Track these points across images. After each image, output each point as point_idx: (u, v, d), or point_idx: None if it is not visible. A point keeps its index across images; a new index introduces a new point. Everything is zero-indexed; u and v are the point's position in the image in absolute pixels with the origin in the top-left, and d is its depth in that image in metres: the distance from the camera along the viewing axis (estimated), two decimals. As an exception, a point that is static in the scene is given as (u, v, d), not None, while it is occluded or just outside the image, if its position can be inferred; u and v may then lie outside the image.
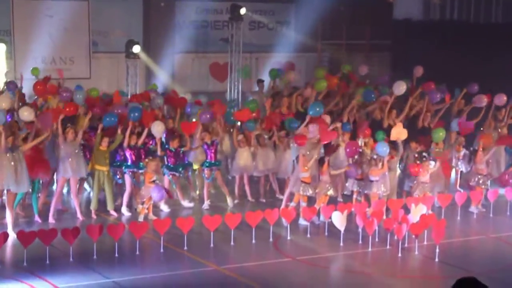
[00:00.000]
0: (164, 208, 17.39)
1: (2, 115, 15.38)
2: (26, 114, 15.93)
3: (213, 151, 17.77)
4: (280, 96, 21.18)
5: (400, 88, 19.52)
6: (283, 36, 28.46)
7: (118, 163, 17.14)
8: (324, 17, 27.92)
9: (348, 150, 17.00)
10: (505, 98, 20.09)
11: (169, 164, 17.50)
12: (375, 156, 16.66)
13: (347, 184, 17.52)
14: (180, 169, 17.71)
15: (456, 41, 24.03)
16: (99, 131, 16.87)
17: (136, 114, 17.28)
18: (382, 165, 16.42)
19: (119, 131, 16.96)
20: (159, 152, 17.25)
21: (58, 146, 16.45)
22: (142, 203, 16.54)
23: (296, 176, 16.60)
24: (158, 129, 17.06)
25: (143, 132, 17.19)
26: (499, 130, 19.91)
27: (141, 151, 17.11)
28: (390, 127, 18.84)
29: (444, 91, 20.71)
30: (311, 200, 16.62)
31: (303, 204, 16.30)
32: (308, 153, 16.80)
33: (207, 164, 17.84)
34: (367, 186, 16.62)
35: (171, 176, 17.58)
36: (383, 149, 16.45)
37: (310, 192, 16.30)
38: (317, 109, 18.00)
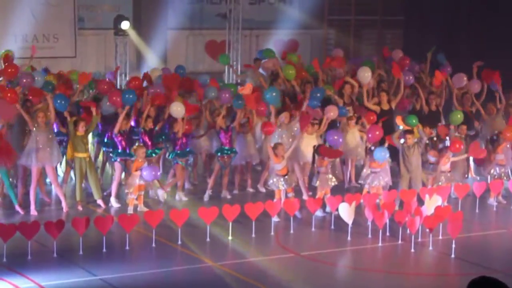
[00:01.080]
0: (182, 196, 17.44)
1: None
2: None
3: (228, 137, 17.75)
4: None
5: (365, 74, 19.36)
6: (286, 12, 28.40)
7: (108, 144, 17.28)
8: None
9: (370, 135, 17.06)
10: (465, 78, 20.05)
11: (177, 151, 17.50)
12: (372, 147, 16.76)
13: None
14: (190, 155, 17.75)
15: (472, 19, 23.97)
16: (68, 117, 16.80)
17: (131, 96, 17.26)
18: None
19: (94, 113, 16.94)
20: (179, 134, 17.29)
21: (28, 133, 16.48)
22: (130, 194, 16.58)
23: (271, 169, 16.62)
24: (178, 110, 17.13)
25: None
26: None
27: (145, 137, 17.19)
28: (383, 111, 18.99)
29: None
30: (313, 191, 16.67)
31: (290, 195, 16.25)
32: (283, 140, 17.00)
33: (224, 151, 17.78)
34: (369, 178, 16.66)
35: (183, 161, 17.57)
36: (381, 154, 16.53)
37: (285, 186, 16.24)
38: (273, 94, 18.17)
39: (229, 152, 17.81)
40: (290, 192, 16.34)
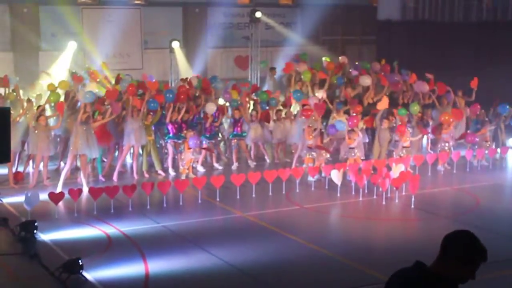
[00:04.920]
0: (200, 169, 17.42)
1: (93, 94, 15.67)
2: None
3: (239, 125, 17.74)
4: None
5: (366, 81, 19.51)
6: (291, 34, 28.22)
7: (165, 135, 17.25)
8: (324, 18, 27.69)
9: (350, 122, 16.96)
10: (426, 86, 19.79)
11: (206, 134, 17.51)
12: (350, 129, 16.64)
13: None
14: (215, 137, 17.78)
15: (425, 37, 23.69)
16: (142, 109, 16.78)
17: (170, 95, 17.28)
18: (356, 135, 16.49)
19: (158, 109, 17.00)
20: (207, 124, 17.41)
21: (125, 121, 16.48)
22: (184, 165, 16.58)
23: (303, 143, 16.57)
24: (210, 107, 17.29)
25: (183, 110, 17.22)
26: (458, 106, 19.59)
27: (182, 125, 17.11)
28: (369, 104, 18.97)
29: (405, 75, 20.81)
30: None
31: (310, 164, 16.26)
32: (311, 125, 16.79)
33: (234, 135, 17.82)
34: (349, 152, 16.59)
35: (209, 143, 17.57)
36: (340, 125, 16.56)
37: (314, 154, 16.29)
38: (298, 94, 18.47)
39: (237, 136, 17.80)
40: (311, 163, 16.27)
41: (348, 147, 16.55)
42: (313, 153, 16.32)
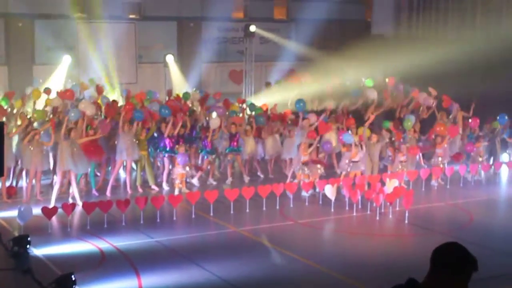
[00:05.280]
0: (195, 182, 17.42)
1: (78, 112, 15.66)
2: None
3: (235, 139, 17.77)
4: None
5: (373, 93, 19.83)
6: (286, 48, 28.33)
7: (161, 149, 17.20)
8: (318, 33, 27.80)
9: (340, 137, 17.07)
10: (431, 100, 19.96)
11: (207, 149, 17.53)
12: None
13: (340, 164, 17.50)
14: (215, 152, 17.79)
15: (415, 51, 23.64)
16: (136, 125, 16.82)
17: (166, 111, 17.32)
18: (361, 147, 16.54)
19: (152, 124, 17.02)
20: (209, 138, 17.39)
21: (117, 136, 16.48)
22: (176, 180, 16.59)
23: (298, 159, 16.62)
24: (215, 122, 17.40)
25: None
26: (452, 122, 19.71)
27: (179, 140, 17.12)
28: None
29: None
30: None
31: (305, 180, 16.26)
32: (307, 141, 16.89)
33: (230, 149, 17.83)
34: (353, 166, 16.62)
35: (210, 157, 17.59)
36: (348, 138, 16.60)
37: (307, 171, 16.30)
38: (301, 104, 18.38)
39: (233, 150, 17.82)
40: (306, 178, 16.29)
41: (352, 161, 16.58)
42: (305, 168, 16.32)
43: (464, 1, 25.08)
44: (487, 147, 19.23)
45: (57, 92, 19.88)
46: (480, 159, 18.49)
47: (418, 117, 19.36)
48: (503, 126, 19.33)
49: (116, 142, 16.52)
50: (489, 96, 19.86)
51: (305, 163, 16.33)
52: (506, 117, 19.34)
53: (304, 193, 15.93)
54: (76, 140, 15.28)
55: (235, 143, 17.76)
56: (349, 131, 17.44)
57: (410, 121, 18.08)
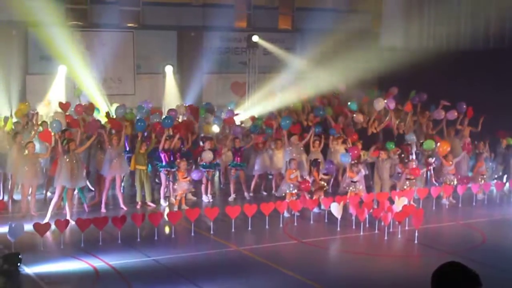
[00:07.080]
0: (205, 198, 17.37)
1: (59, 124, 15.63)
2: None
3: (239, 154, 17.75)
4: None
5: (379, 104, 19.82)
6: (290, 60, 28.38)
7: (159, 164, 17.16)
8: (323, 44, 27.82)
9: (351, 154, 17.00)
10: (455, 113, 20.05)
11: (204, 163, 17.47)
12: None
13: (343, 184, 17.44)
14: (214, 167, 17.73)
15: (428, 65, 23.65)
16: (138, 138, 16.88)
17: (169, 121, 17.34)
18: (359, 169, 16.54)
19: (153, 137, 17.03)
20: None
21: (104, 151, 16.42)
22: (176, 196, 16.57)
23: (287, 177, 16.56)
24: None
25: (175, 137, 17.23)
26: (462, 138, 19.75)
27: (176, 154, 17.08)
28: (373, 134, 19.09)
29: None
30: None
31: (307, 196, 16.21)
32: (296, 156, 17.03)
33: (233, 164, 17.80)
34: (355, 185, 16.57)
35: (207, 172, 17.53)
36: (345, 158, 16.60)
37: (295, 190, 16.25)
38: (287, 121, 18.38)
39: (237, 166, 17.79)
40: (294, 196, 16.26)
41: (350, 180, 16.56)
42: (292, 186, 16.21)
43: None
44: (502, 164, 19.25)
45: (59, 103, 20.18)
46: (482, 179, 18.35)
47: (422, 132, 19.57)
48: None
49: (103, 157, 16.41)
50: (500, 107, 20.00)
51: (292, 182, 16.24)
52: None
53: (286, 213, 15.74)
54: (77, 150, 15.25)
55: (238, 158, 17.73)
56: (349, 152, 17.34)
57: (431, 143, 18.23)
